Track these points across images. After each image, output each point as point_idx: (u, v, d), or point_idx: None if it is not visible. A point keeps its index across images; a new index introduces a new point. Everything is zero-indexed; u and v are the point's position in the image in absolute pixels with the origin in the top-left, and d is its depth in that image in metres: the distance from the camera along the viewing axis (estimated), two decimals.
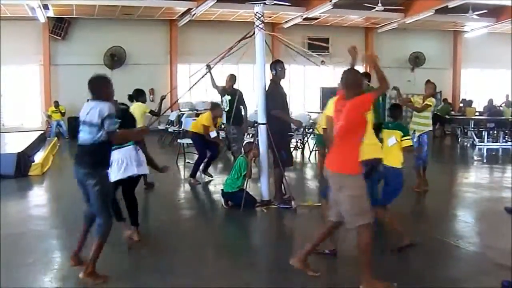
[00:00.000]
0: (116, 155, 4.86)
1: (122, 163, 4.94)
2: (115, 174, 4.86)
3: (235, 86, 8.93)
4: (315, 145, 9.27)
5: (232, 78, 8.93)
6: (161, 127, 14.81)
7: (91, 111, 3.92)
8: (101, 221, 3.99)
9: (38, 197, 7.99)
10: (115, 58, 17.51)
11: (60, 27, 16.91)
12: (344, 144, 3.89)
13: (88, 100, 4.12)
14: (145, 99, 8.37)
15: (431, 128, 7.97)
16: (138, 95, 8.21)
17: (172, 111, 15.47)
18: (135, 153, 5.03)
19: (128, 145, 4.96)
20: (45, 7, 15.01)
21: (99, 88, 4.09)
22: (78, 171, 4.00)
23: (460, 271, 4.57)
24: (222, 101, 8.99)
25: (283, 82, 6.75)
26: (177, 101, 15.31)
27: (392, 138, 5.28)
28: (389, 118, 6.12)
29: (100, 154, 3.98)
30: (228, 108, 8.74)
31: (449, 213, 6.33)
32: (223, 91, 8.96)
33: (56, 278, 4.26)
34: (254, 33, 6.55)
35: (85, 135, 3.95)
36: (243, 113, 8.92)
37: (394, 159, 5.19)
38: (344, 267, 4.56)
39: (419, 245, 5.16)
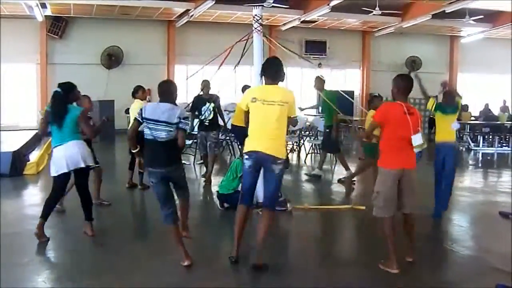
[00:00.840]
0: (62, 151, 5.10)
1: (68, 158, 5.10)
2: (60, 168, 5.10)
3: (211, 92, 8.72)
4: (367, 154, 8.06)
5: (208, 84, 8.72)
6: None
7: (168, 112, 4.34)
8: (187, 193, 4.87)
9: (33, 196, 7.95)
10: (113, 58, 17.48)
11: (57, 26, 16.87)
12: (411, 144, 4.49)
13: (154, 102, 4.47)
14: (143, 95, 8.20)
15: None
16: (133, 92, 8.15)
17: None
18: (78, 147, 5.18)
19: (70, 140, 5.12)
20: (43, 5, 14.95)
21: (172, 91, 4.55)
22: (164, 169, 4.37)
23: (454, 274, 4.59)
24: (201, 110, 8.61)
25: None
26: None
27: (455, 123, 6.35)
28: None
29: (178, 148, 4.44)
30: (213, 115, 8.47)
31: (444, 217, 6.34)
32: (201, 100, 8.64)
33: (50, 279, 4.25)
34: (250, 37, 6.55)
35: (162, 133, 4.33)
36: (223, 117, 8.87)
37: (449, 135, 6.32)
38: (337, 266, 4.56)
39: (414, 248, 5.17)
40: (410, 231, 4.67)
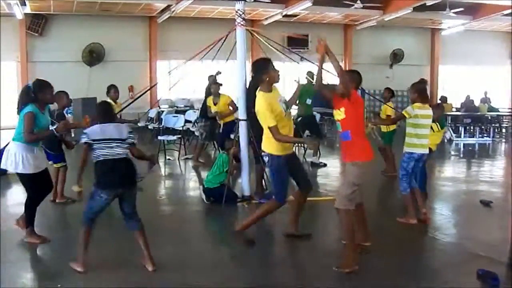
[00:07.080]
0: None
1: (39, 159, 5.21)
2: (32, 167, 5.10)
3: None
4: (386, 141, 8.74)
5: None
6: (141, 124, 14.68)
7: (117, 128, 4.26)
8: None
9: (22, 194, 7.86)
10: (94, 55, 17.34)
11: (37, 23, 16.66)
12: None
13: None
14: (114, 96, 8.31)
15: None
16: (106, 92, 8.23)
17: (151, 108, 15.39)
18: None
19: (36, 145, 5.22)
20: (22, 3, 14.79)
21: (113, 111, 4.55)
22: (124, 185, 4.19)
23: (437, 261, 4.68)
24: None
25: None
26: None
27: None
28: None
29: (133, 165, 4.31)
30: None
31: (426, 205, 6.43)
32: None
33: (38, 276, 4.23)
34: (233, 30, 6.60)
35: (119, 150, 4.18)
36: None
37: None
38: (323, 258, 4.61)
39: (397, 236, 5.27)
40: (365, 218, 4.76)
